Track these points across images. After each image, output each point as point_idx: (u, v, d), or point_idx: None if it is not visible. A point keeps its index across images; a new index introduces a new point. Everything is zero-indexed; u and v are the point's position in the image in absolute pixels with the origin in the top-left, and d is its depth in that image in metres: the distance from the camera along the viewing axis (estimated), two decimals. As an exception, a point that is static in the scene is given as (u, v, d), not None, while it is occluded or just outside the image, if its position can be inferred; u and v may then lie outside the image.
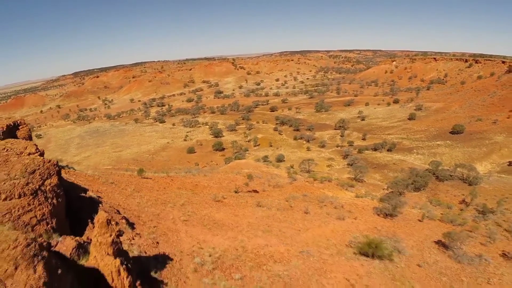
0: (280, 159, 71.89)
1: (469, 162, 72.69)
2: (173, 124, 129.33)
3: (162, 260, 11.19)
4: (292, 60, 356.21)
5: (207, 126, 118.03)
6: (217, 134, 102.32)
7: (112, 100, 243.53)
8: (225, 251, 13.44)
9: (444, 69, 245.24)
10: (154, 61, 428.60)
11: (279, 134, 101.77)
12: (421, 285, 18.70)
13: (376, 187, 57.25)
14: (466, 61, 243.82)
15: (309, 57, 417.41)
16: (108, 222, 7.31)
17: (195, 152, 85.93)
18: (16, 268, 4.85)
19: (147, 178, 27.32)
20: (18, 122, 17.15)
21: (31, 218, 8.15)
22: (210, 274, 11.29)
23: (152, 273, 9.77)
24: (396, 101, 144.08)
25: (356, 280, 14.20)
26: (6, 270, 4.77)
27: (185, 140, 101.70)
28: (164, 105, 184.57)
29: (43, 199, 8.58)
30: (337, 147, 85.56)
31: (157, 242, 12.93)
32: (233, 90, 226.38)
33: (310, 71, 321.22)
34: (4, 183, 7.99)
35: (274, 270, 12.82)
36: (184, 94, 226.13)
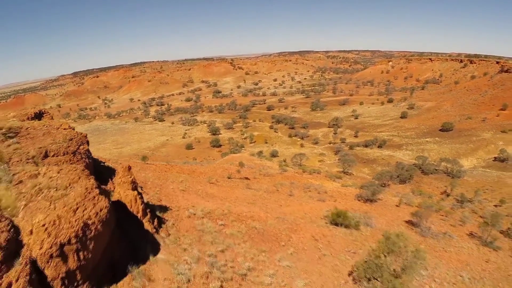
0: (274, 155, 75.25)
1: (455, 157, 76.26)
2: (172, 123, 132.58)
3: (164, 208, 14.50)
4: (290, 61, 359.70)
5: (205, 124, 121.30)
6: (214, 131, 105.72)
7: (112, 99, 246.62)
8: (214, 210, 16.71)
9: (439, 69, 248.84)
10: (153, 61, 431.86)
11: (275, 132, 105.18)
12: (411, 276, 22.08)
13: (363, 180, 60.60)
14: (461, 61, 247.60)
15: (307, 57, 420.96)
16: (129, 168, 10.59)
17: (193, 149, 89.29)
18: (79, 179, 8.13)
19: (149, 164, 30.61)
20: (43, 111, 20.52)
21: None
22: (200, 220, 14.59)
23: (157, 213, 13.04)
24: (390, 101, 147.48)
25: (321, 237, 17.50)
26: (74, 178, 8.06)
27: (183, 137, 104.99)
28: (163, 105, 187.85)
29: (80, 157, 11.76)
30: (330, 144, 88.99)
31: (160, 199, 16.25)
32: (231, 89, 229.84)
33: (308, 71, 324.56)
34: (52, 145, 11.18)
35: (252, 225, 16.09)
36: (183, 93, 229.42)
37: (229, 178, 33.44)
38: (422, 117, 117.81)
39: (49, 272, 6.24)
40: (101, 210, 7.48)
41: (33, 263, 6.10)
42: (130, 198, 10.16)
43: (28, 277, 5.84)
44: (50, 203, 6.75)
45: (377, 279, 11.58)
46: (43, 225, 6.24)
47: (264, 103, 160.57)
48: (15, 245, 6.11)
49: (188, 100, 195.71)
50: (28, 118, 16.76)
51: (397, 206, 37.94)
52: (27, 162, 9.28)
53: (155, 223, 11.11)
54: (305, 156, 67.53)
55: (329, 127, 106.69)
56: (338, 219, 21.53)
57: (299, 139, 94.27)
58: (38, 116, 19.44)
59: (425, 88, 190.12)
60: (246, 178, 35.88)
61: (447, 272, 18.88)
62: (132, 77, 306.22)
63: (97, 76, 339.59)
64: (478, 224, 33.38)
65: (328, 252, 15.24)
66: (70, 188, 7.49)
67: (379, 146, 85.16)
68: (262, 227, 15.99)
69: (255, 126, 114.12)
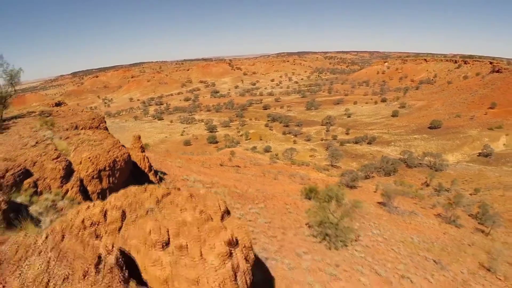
0: (267, 150, 79.07)
1: (441, 153, 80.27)
2: (171, 121, 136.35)
3: (163, 173, 18.26)
4: (288, 61, 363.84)
5: (203, 123, 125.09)
6: (211, 129, 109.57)
7: (111, 99, 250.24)
8: (204, 180, 20.44)
9: (434, 70, 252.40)
10: (152, 62, 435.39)
11: (270, 129, 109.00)
12: (359, 222, 25.80)
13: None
14: (456, 62, 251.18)
15: (305, 58, 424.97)
16: (139, 137, 14.35)
17: (191, 145, 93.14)
18: (107, 137, 11.91)
19: (150, 151, 34.36)
20: (61, 102, 24.34)
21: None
22: (192, 183, 18.36)
23: (159, 174, 16.78)
24: (383, 100, 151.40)
25: (291, 204, 21.22)
26: (104, 136, 11.81)
27: (182, 135, 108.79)
28: (162, 104, 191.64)
29: (102, 130, 15.51)
30: (322, 140, 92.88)
31: (161, 168, 20.00)
32: (229, 90, 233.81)
33: (305, 71, 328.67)
34: (80, 121, 14.82)
35: (234, 190, 19.78)
36: (182, 93, 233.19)
37: (221, 165, 37.20)
38: (413, 115, 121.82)
39: (90, 188, 9.94)
40: (124, 154, 11.19)
41: (81, 181, 9.84)
42: (140, 158, 13.82)
43: (78, 188, 9.58)
44: (91, 147, 10.47)
45: (325, 224, 15.27)
46: (89, 158, 9.94)
47: (261, 102, 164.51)
48: (69, 170, 9.85)
49: (186, 99, 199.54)
50: (51, 106, 20.53)
51: (374, 192, 41.89)
52: (65, 131, 13.08)
53: (157, 178, 14.83)
54: (296, 151, 71.38)
55: (322, 125, 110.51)
56: (311, 194, 25.27)
57: (292, 136, 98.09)
58: (58, 105, 23.24)
59: (419, 88, 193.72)
60: (237, 166, 39.63)
61: (399, 235, 22.56)
62: (132, 77, 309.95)
63: (97, 76, 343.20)
64: (448, 208, 37.20)
65: (294, 211, 18.96)
66: (103, 140, 11.22)
67: (369, 143, 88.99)
68: (243, 192, 19.72)
69: (251, 124, 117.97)
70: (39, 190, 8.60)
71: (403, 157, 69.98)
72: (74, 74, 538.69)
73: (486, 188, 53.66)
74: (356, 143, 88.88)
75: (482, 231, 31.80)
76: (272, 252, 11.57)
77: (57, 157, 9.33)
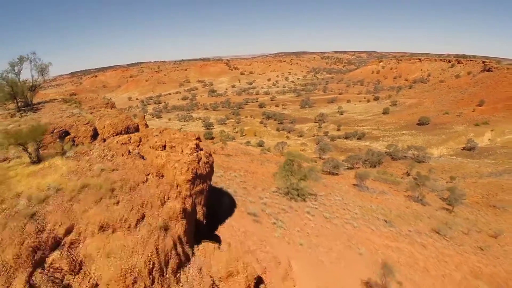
0: (260, 144, 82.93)
1: (427, 147, 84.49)
2: (169, 119, 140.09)
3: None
4: (285, 61, 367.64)
5: (200, 120, 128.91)
6: (208, 126, 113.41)
7: (110, 98, 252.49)
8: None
9: (428, 69, 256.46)
10: (150, 62, 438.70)
11: (264, 126, 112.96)
12: (325, 192, 29.69)
13: (337, 164, 68.48)
14: (449, 61, 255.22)
15: (302, 58, 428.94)
16: (144, 116, 18.33)
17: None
18: (121, 113, 15.80)
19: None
20: (74, 92, 28.26)
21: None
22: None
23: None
24: (376, 98, 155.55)
25: (268, 175, 25.15)
26: (119, 112, 15.66)
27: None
28: (160, 103, 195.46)
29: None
30: (313, 136, 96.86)
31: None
32: (226, 89, 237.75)
33: (302, 71, 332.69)
34: (97, 104, 18.68)
35: (220, 164, 23.69)
36: (180, 92, 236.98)
37: (214, 153, 41.12)
38: (403, 113, 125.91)
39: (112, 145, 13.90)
40: (134, 123, 15.07)
41: (104, 140, 13.76)
42: (144, 128, 18.03)
43: (103, 143, 13.52)
44: (111, 118, 14.32)
45: (287, 182, 19.16)
46: (110, 124, 13.78)
47: (257, 101, 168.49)
48: (96, 133, 13.74)
49: (184, 98, 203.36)
50: (68, 95, 24.46)
51: (353, 178, 45.86)
52: (88, 109, 17.03)
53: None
54: (288, 145, 75.30)
55: (315, 122, 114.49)
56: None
57: (285, 133, 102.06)
58: (72, 95, 27.11)
59: (412, 87, 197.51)
60: (228, 154, 43.52)
61: (360, 203, 26.40)
62: (130, 76, 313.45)
63: (96, 76, 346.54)
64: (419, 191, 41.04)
65: (268, 180, 22.86)
66: (118, 115, 15.13)
67: (359, 138, 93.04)
68: (228, 166, 23.59)
69: (247, 122, 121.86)
70: (75, 143, 12.50)
71: (388, 150, 73.94)
72: (73, 74, 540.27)
73: (462, 177, 57.73)
74: (346, 138, 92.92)
75: (447, 209, 35.84)
76: (240, 194, 15.37)
77: (87, 123, 13.18)
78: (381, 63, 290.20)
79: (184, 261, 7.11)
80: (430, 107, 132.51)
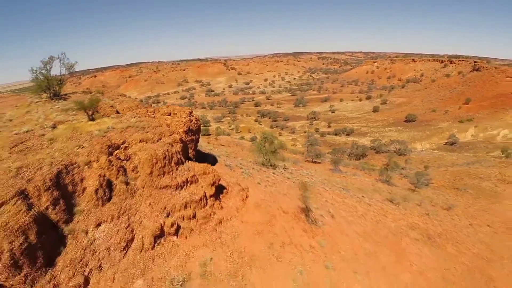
0: (253, 139, 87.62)
1: (411, 142, 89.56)
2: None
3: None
4: (281, 62, 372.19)
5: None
6: (205, 123, 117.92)
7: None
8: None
9: (421, 69, 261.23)
10: (149, 62, 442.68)
11: (259, 124, 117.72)
12: (298, 168, 34.43)
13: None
14: (442, 61, 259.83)
15: (299, 58, 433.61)
16: (151, 105, 22.95)
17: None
18: (134, 100, 20.52)
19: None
20: (89, 89, 33.34)
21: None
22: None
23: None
24: (368, 97, 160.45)
25: (252, 157, 29.91)
26: (132, 99, 20.39)
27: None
28: (159, 102, 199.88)
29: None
30: (305, 132, 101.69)
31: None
32: (224, 89, 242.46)
33: (298, 71, 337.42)
34: (113, 95, 23.54)
35: (212, 148, 28.52)
36: (178, 92, 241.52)
37: (208, 143, 45.88)
38: (392, 111, 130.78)
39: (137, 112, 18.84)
40: (144, 106, 20.04)
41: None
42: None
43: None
44: (127, 103, 19.19)
45: (260, 153, 23.87)
46: (127, 106, 18.54)
47: (253, 100, 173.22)
48: (117, 113, 18.55)
49: (182, 98, 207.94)
50: (85, 89, 29.20)
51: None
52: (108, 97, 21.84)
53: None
54: (278, 139, 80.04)
55: (307, 120, 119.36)
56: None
57: (279, 129, 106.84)
58: (88, 89, 31.82)
59: (405, 86, 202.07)
60: (221, 145, 48.32)
61: (327, 178, 31.04)
62: (129, 76, 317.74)
63: (95, 76, 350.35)
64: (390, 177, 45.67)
65: (251, 156, 27.60)
66: (133, 101, 19.99)
67: (347, 134, 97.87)
68: (218, 145, 28.37)
69: (242, 119, 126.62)
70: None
71: (373, 144, 78.77)
72: (71, 74, 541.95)
73: (436, 166, 62.50)
74: (336, 134, 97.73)
75: (412, 190, 40.59)
76: (223, 158, 20.05)
77: (111, 106, 17.92)
78: (375, 64, 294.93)
79: (180, 162, 12.07)
80: (419, 105, 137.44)
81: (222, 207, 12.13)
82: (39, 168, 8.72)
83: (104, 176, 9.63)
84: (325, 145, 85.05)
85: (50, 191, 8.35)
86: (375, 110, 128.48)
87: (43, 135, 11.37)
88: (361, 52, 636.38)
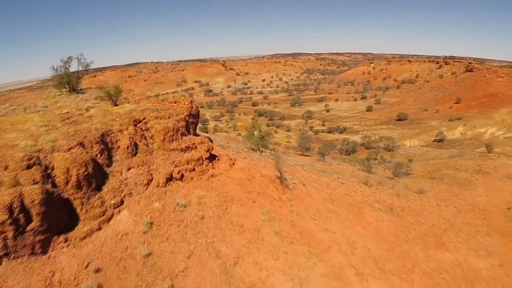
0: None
1: (401, 140, 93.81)
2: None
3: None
4: (280, 62, 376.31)
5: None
6: (203, 122, 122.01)
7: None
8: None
9: (416, 70, 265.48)
10: (148, 62, 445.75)
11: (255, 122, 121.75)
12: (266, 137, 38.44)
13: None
14: (437, 62, 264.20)
15: (298, 59, 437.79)
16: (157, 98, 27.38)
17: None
18: (144, 93, 24.17)
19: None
20: (102, 86, 37.38)
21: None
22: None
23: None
24: (363, 97, 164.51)
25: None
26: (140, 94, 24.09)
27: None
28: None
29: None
30: (299, 130, 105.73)
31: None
32: (222, 89, 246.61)
33: (296, 72, 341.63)
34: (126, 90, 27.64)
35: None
36: (177, 92, 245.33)
37: (205, 136, 49.99)
38: (385, 110, 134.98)
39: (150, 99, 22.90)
40: (152, 98, 24.12)
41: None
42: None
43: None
44: (138, 95, 23.23)
45: (250, 140, 27.87)
46: (138, 99, 22.59)
47: (250, 100, 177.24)
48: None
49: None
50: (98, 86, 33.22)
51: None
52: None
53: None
54: (273, 136, 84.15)
55: (302, 118, 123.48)
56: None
57: (275, 128, 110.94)
58: (100, 86, 35.81)
59: (400, 87, 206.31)
60: (218, 138, 52.43)
61: (309, 163, 35.07)
62: (129, 76, 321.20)
63: (95, 76, 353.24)
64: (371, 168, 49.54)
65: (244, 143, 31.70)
66: (142, 94, 24.03)
67: (340, 132, 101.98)
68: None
69: (240, 118, 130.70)
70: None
71: (363, 141, 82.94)
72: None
73: (420, 160, 66.64)
74: (329, 132, 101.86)
75: (391, 178, 44.66)
76: (218, 141, 24.06)
77: (125, 98, 21.70)
78: (372, 64, 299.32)
79: (184, 134, 15.98)
80: (411, 105, 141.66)
81: (214, 167, 16.14)
82: (88, 131, 12.71)
83: (132, 139, 13.61)
84: (318, 142, 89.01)
85: (98, 144, 12.38)
86: (369, 109, 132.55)
87: (82, 114, 15.27)
88: (360, 53, 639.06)
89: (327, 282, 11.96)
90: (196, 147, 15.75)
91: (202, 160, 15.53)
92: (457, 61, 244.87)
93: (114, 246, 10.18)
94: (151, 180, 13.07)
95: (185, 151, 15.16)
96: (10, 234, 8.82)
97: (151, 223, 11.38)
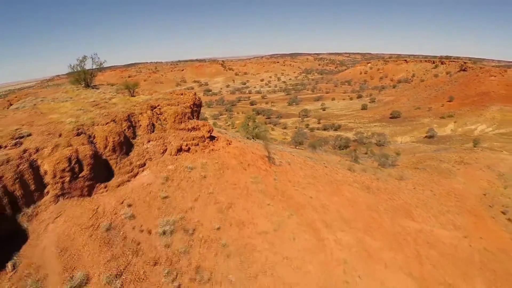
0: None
1: (393, 136, 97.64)
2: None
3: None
4: (278, 62, 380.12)
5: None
6: (203, 120, 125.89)
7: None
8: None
9: (413, 70, 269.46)
10: (147, 62, 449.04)
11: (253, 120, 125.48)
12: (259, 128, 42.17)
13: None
14: (433, 62, 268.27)
15: (296, 59, 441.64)
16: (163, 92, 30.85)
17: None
18: (152, 88, 28.35)
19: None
20: (112, 83, 41.36)
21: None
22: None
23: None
24: (359, 96, 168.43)
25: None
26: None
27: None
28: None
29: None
30: (296, 128, 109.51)
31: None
32: (221, 88, 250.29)
33: (294, 72, 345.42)
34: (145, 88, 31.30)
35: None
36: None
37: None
38: (379, 109, 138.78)
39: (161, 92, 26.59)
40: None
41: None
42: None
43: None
44: (148, 90, 26.97)
45: (247, 127, 31.58)
46: (148, 92, 26.33)
47: (249, 99, 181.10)
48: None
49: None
50: (107, 83, 36.89)
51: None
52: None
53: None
54: (271, 134, 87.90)
55: (298, 117, 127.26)
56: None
57: (272, 125, 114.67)
58: (111, 83, 39.49)
59: (396, 86, 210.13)
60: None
61: (297, 151, 38.81)
62: (129, 76, 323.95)
63: (95, 76, 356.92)
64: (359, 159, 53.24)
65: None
66: (153, 89, 27.59)
67: (335, 129, 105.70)
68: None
69: (238, 117, 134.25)
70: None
71: (355, 137, 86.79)
72: (70, 75, 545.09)
73: (408, 153, 70.51)
74: (324, 129, 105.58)
75: (376, 167, 48.40)
76: (216, 129, 27.84)
77: (136, 91, 25.62)
78: (369, 64, 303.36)
79: (189, 118, 19.71)
80: (405, 104, 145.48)
81: (213, 145, 19.87)
82: (117, 113, 16.47)
83: (150, 120, 17.33)
84: (313, 138, 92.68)
85: (126, 122, 16.13)
86: (364, 108, 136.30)
87: (107, 102, 18.96)
88: (359, 53, 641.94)
89: (299, 227, 15.63)
90: (199, 128, 19.44)
91: (204, 138, 19.21)
92: (453, 61, 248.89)
93: (140, 191, 13.86)
94: (166, 150, 16.73)
95: (191, 131, 18.83)
96: (67, 179, 12.50)
97: (167, 178, 15.11)
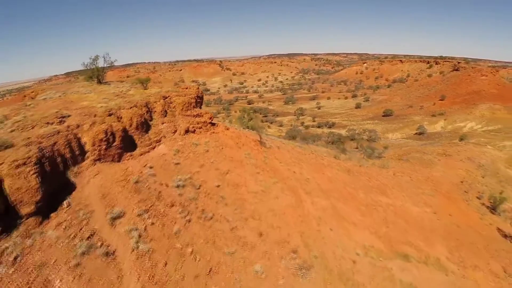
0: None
1: (384, 133, 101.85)
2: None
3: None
4: (275, 63, 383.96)
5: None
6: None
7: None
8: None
9: (408, 70, 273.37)
10: (145, 63, 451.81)
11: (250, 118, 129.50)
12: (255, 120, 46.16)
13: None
14: (428, 62, 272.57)
15: (293, 60, 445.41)
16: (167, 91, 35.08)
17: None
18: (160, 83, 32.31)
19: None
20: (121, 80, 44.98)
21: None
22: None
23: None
24: (354, 96, 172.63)
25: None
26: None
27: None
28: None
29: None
30: (291, 126, 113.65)
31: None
32: (219, 88, 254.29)
33: (291, 72, 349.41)
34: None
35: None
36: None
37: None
38: (373, 107, 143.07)
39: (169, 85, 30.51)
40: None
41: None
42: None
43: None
44: (156, 85, 30.93)
45: (243, 119, 35.64)
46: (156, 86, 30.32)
47: (246, 98, 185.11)
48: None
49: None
50: (117, 80, 40.86)
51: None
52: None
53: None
54: (266, 130, 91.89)
55: (294, 115, 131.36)
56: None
57: (268, 123, 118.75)
58: (121, 80, 43.42)
59: (391, 86, 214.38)
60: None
61: (290, 142, 42.90)
62: (127, 76, 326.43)
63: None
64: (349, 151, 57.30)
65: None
66: (162, 84, 31.59)
67: (329, 127, 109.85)
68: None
69: (235, 115, 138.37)
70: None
71: (348, 134, 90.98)
72: (68, 74, 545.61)
73: (396, 148, 74.78)
74: (319, 127, 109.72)
75: (363, 158, 52.41)
76: (216, 120, 31.92)
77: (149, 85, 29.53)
78: (365, 64, 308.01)
79: (194, 107, 23.66)
80: (398, 102, 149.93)
81: (214, 129, 23.90)
82: (137, 101, 20.52)
83: (163, 107, 21.35)
84: (307, 135, 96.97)
85: (144, 107, 20.18)
86: (358, 106, 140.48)
87: (125, 93, 22.93)
88: (356, 53, 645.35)
89: (283, 191, 19.63)
90: (202, 115, 23.47)
91: (207, 123, 23.23)
92: (447, 61, 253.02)
93: (158, 158, 17.86)
94: (176, 130, 20.76)
95: (196, 117, 22.83)
96: (103, 147, 16.49)
97: (178, 150, 19.16)
